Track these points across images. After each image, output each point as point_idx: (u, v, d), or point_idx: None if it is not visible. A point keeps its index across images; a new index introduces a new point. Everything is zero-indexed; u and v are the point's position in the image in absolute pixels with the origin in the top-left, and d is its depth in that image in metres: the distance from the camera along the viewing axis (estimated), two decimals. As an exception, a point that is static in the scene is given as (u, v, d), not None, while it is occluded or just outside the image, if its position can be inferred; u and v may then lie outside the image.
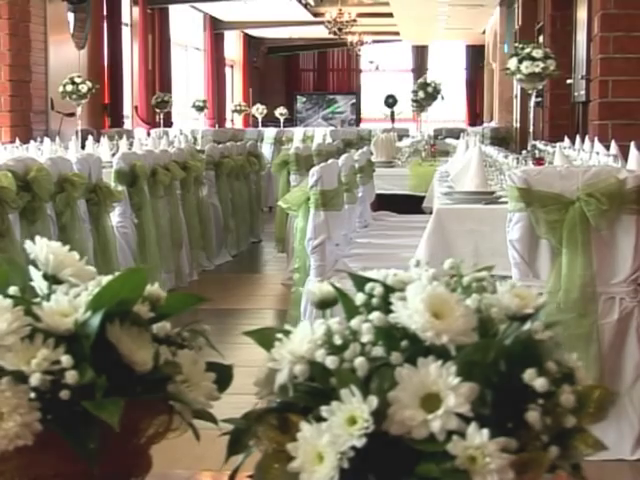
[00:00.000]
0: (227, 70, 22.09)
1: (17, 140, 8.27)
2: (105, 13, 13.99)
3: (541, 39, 13.17)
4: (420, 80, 9.27)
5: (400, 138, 11.36)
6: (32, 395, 0.81)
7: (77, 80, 8.54)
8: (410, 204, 7.79)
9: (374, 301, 0.87)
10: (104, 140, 8.63)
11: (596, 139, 5.62)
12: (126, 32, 14.98)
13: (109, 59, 14.02)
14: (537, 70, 5.40)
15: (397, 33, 22.16)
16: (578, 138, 6.39)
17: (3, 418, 0.81)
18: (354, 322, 0.83)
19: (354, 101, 25.18)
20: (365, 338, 0.82)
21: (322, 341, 0.82)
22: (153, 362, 0.85)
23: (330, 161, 4.85)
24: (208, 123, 18.40)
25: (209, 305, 7.15)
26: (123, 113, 14.54)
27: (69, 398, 0.82)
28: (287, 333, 0.86)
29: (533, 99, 5.78)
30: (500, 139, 12.94)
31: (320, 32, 22.18)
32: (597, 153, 4.92)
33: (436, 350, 0.82)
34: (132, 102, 15.47)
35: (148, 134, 13.41)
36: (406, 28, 21.07)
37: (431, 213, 6.90)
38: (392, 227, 6.49)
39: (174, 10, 17.46)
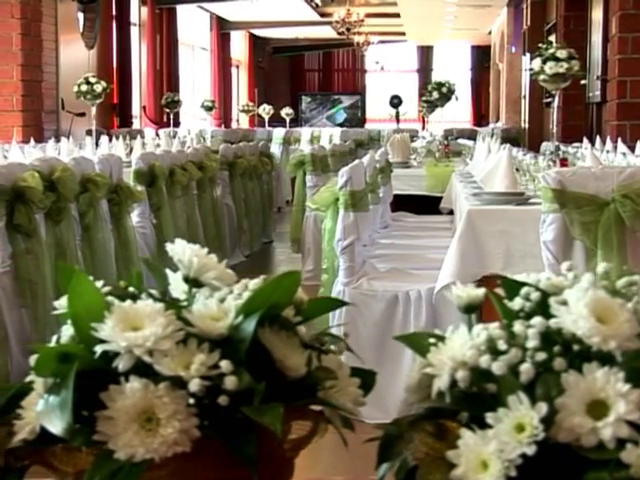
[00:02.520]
0: (233, 70, 22.07)
1: (32, 140, 8.25)
2: (114, 13, 13.97)
3: (551, 39, 13.14)
4: (435, 80, 9.25)
5: (411, 139, 11.33)
6: (191, 401, 0.80)
7: (92, 80, 8.52)
8: (426, 204, 7.77)
9: (527, 306, 0.86)
10: (117, 140, 8.62)
11: (619, 140, 5.60)
12: (134, 32, 14.97)
13: (118, 59, 14.00)
14: (561, 71, 5.37)
15: (403, 33, 22.14)
16: (598, 139, 6.37)
17: (161, 424, 0.79)
18: (517, 327, 0.82)
19: (358, 101, 25.14)
20: (531, 343, 0.80)
21: (485, 347, 0.81)
22: (306, 367, 0.83)
23: (356, 162, 4.83)
24: (214, 123, 18.38)
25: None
26: (132, 113, 14.52)
27: (227, 404, 0.80)
28: (440, 338, 0.85)
29: (556, 100, 5.75)
30: (511, 140, 12.91)
31: (325, 32, 22.16)
32: (624, 154, 4.90)
33: (599, 356, 0.80)
34: (140, 102, 15.45)
35: (156, 134, 13.39)
36: (412, 28, 21.05)
37: (449, 214, 6.93)
38: (412, 228, 6.47)
39: (181, 10, 17.46)
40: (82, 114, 11.62)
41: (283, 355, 0.83)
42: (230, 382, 0.80)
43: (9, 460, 0.88)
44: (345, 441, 0.88)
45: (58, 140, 8.30)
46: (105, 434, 0.80)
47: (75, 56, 12.31)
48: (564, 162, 5.07)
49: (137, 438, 0.79)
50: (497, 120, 19.88)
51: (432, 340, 0.85)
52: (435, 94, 9.01)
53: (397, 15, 18.69)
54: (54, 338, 0.89)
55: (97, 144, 8.58)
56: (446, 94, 9.00)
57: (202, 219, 7.72)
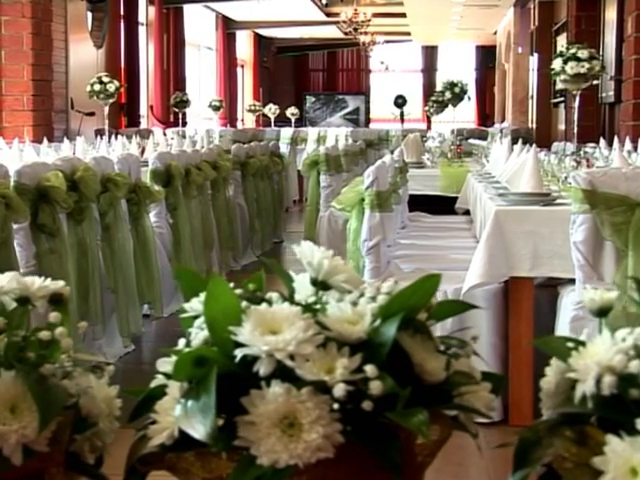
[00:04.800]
0: (238, 70, 22.07)
1: (45, 140, 8.23)
2: (122, 12, 13.96)
3: (559, 40, 13.13)
4: (447, 80, 9.24)
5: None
6: (335, 406, 0.79)
7: (105, 79, 8.50)
8: (439, 204, 7.75)
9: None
10: (128, 140, 8.60)
11: (640, 140, 5.59)
12: (142, 31, 14.96)
13: (126, 58, 13.99)
14: (582, 71, 5.37)
15: (408, 33, 22.13)
16: (616, 139, 6.36)
17: (304, 429, 0.78)
18: (665, 331, 0.80)
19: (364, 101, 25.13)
20: (680, 348, 0.79)
21: (634, 352, 0.80)
22: (445, 372, 0.82)
23: (379, 162, 4.82)
24: (220, 123, 18.38)
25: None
26: (140, 113, 14.51)
27: (371, 409, 0.79)
28: (580, 343, 0.84)
29: (577, 100, 5.73)
30: (520, 140, 12.90)
31: (330, 32, 22.15)
32: (647, 154, 4.89)
33: None
34: (147, 102, 15.44)
35: (164, 133, 13.38)
36: (418, 28, 21.04)
37: (464, 214, 6.91)
38: (429, 228, 6.47)
39: (187, 10, 17.45)
40: (91, 113, 11.62)
41: (422, 359, 0.82)
42: (375, 387, 0.78)
43: (135, 464, 0.87)
44: (479, 447, 0.86)
45: (70, 140, 8.28)
46: (247, 439, 0.79)
47: (84, 55, 12.30)
48: (588, 163, 5.05)
49: (280, 444, 0.78)
50: (502, 120, 19.86)
51: (571, 345, 0.83)
52: (447, 94, 8.99)
53: (403, 15, 18.68)
54: (182, 341, 0.88)
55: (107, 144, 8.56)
56: (459, 94, 8.99)
57: (216, 219, 7.71)
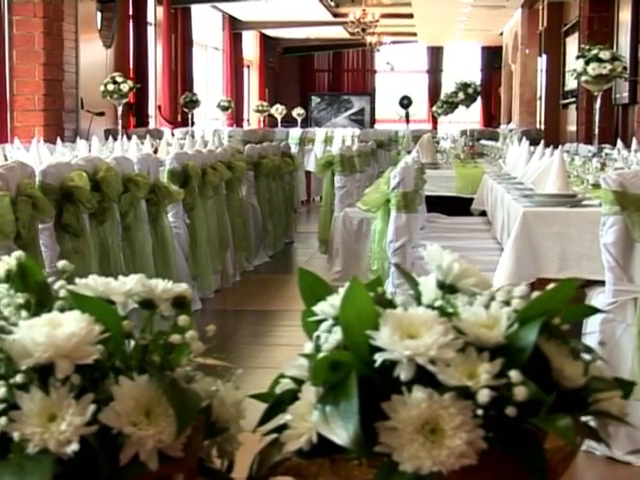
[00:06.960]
0: (244, 70, 22.07)
1: (59, 140, 8.22)
2: (131, 12, 13.95)
3: (569, 41, 13.11)
4: (460, 81, 9.23)
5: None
6: (479, 412, 0.77)
7: (118, 79, 8.49)
8: (454, 205, 7.73)
9: None
10: (139, 140, 8.58)
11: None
12: (150, 31, 14.94)
13: (135, 58, 13.98)
14: (604, 72, 5.35)
15: (414, 34, 22.12)
16: (634, 141, 6.34)
17: (446, 435, 0.77)
18: None
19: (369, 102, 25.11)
20: None
21: None
22: (584, 377, 0.81)
23: (403, 163, 4.81)
24: (227, 123, 18.37)
25: (258, 306, 6.88)
26: (148, 113, 14.50)
27: (515, 415, 0.78)
28: None
29: (599, 101, 5.71)
30: (531, 141, 12.87)
31: (336, 32, 22.13)
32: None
33: None
34: (155, 102, 15.43)
35: (172, 134, 13.37)
36: (424, 29, 21.03)
37: (481, 215, 6.89)
38: (448, 229, 6.44)
39: (194, 10, 17.44)
40: (101, 113, 11.60)
41: (561, 364, 0.80)
42: (520, 392, 0.77)
43: (263, 471, 0.85)
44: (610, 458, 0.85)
45: (83, 140, 8.27)
46: (389, 445, 0.77)
47: (93, 55, 12.29)
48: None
49: (423, 450, 0.76)
50: (508, 121, 19.84)
51: None
52: (461, 95, 8.98)
53: (410, 16, 18.68)
54: (308, 346, 0.86)
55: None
56: (472, 95, 8.98)
57: (230, 219, 7.69)
